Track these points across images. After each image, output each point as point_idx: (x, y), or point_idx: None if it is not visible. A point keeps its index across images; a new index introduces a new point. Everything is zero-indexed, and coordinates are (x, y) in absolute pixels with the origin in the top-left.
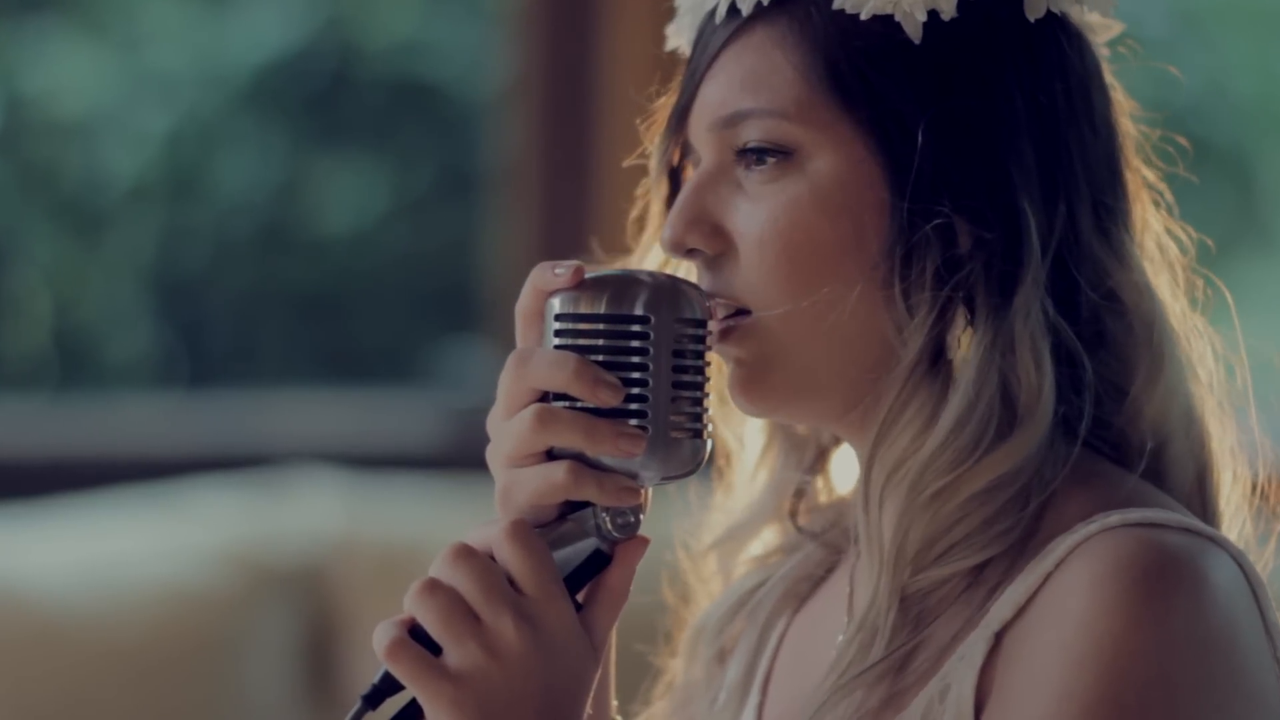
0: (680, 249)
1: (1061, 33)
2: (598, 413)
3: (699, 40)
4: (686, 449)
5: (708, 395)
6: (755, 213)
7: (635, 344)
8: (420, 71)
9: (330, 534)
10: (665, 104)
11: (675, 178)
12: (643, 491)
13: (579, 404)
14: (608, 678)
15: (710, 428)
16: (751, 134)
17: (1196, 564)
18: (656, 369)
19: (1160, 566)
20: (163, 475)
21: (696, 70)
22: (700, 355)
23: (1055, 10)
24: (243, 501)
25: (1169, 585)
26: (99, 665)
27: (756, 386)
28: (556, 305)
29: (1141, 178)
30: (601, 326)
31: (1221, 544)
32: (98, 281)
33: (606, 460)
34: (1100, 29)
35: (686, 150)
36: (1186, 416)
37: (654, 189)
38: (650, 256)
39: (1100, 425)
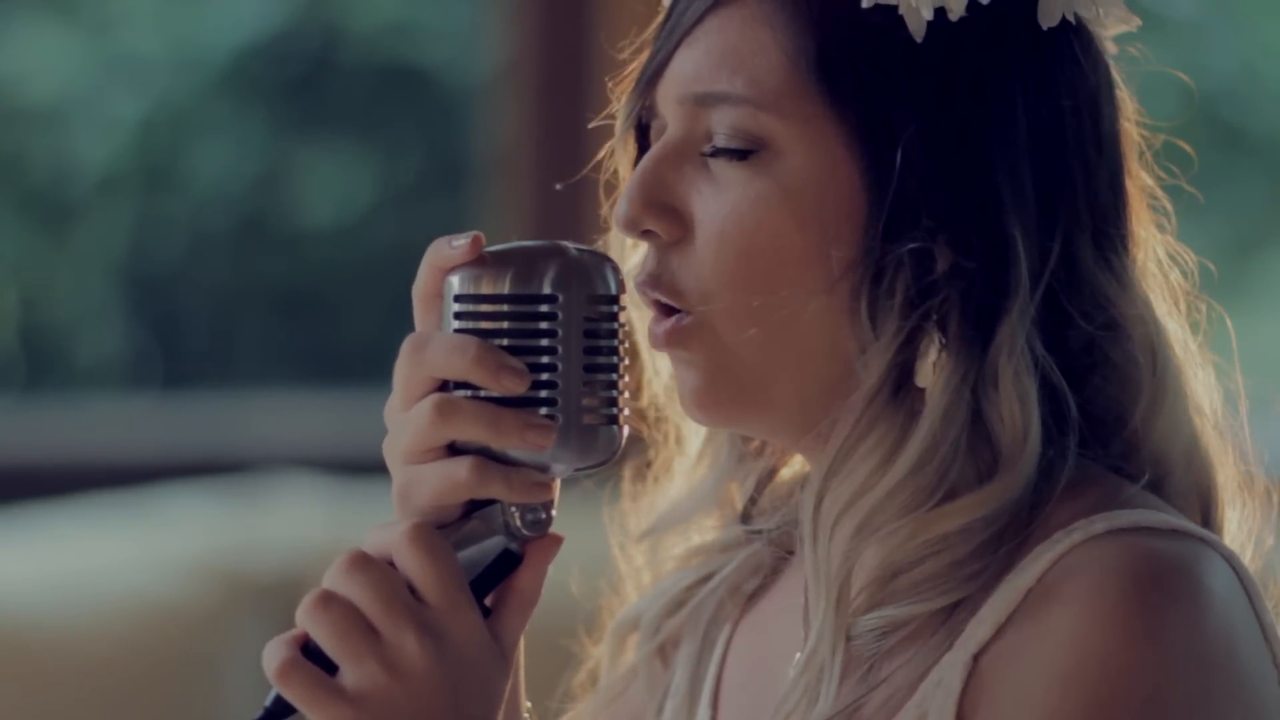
0: (635, 229)
1: (1075, 41)
2: (503, 402)
3: (679, 4)
4: (601, 437)
5: (623, 377)
6: (719, 203)
7: (543, 325)
8: (407, 55)
9: (312, 544)
10: (638, 60)
11: (643, 137)
12: (554, 484)
13: (482, 393)
14: (518, 679)
15: (626, 412)
16: (721, 124)
17: (1190, 571)
18: (566, 352)
19: (1152, 575)
20: (135, 482)
21: (674, 32)
22: (614, 334)
23: (1070, 17)
24: (220, 509)
25: (1162, 597)
26: (68, 681)
27: (706, 395)
28: (455, 284)
29: (1145, 193)
30: (505, 308)
31: (1213, 545)
32: (66, 277)
33: (514, 453)
34: (1112, 22)
35: (654, 112)
36: (1189, 449)
37: (619, 150)
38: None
39: (1096, 451)
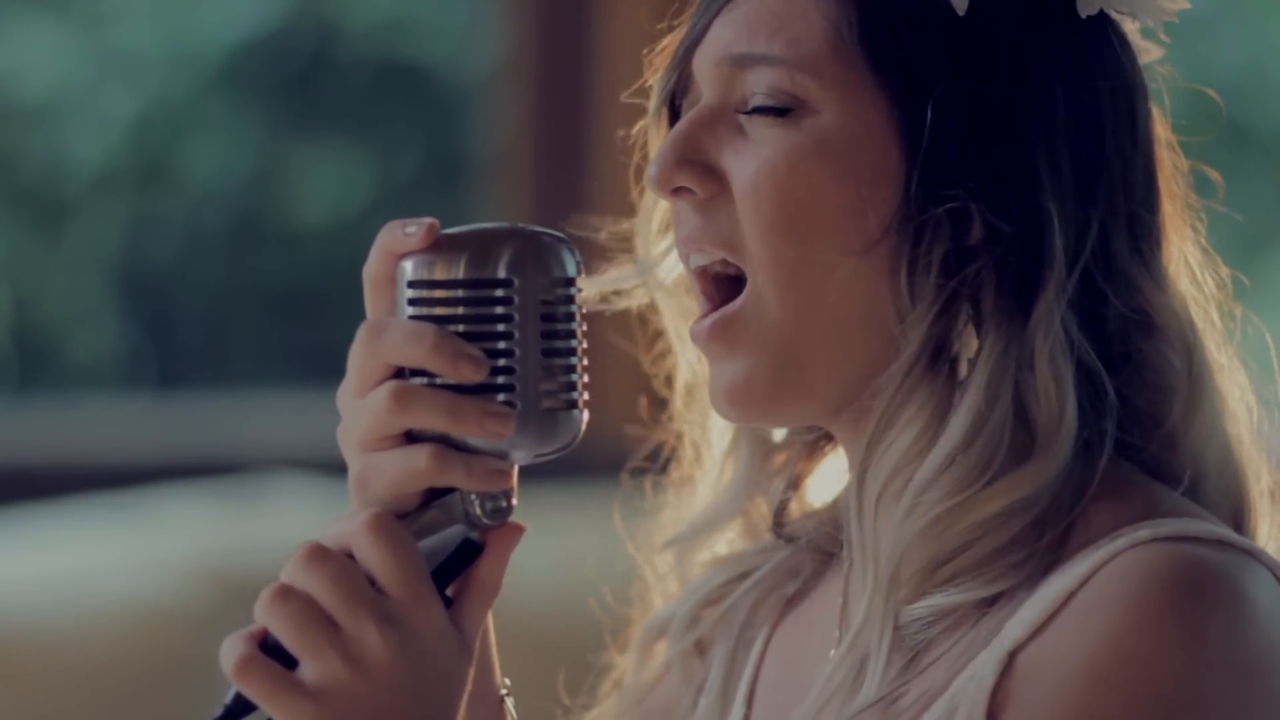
0: (667, 186)
1: (1114, 35)
2: (461, 389)
3: None
4: (562, 422)
5: (583, 360)
6: (753, 156)
7: (499, 310)
8: (405, 51)
9: None
10: (674, 37)
11: (676, 117)
12: (514, 472)
13: (439, 380)
14: (491, 662)
15: (586, 396)
16: (759, 85)
17: (1234, 581)
18: (524, 337)
19: (1196, 583)
20: (130, 483)
21: (714, 2)
22: (572, 317)
23: (1109, 12)
24: (216, 511)
25: (1205, 604)
26: (62, 684)
27: (743, 389)
28: (409, 270)
29: (1177, 209)
30: (460, 293)
31: (1259, 557)
32: (60, 275)
33: (473, 441)
34: (1139, 51)
35: (686, 88)
36: (1222, 455)
37: (652, 127)
38: (660, 210)
39: (1132, 454)
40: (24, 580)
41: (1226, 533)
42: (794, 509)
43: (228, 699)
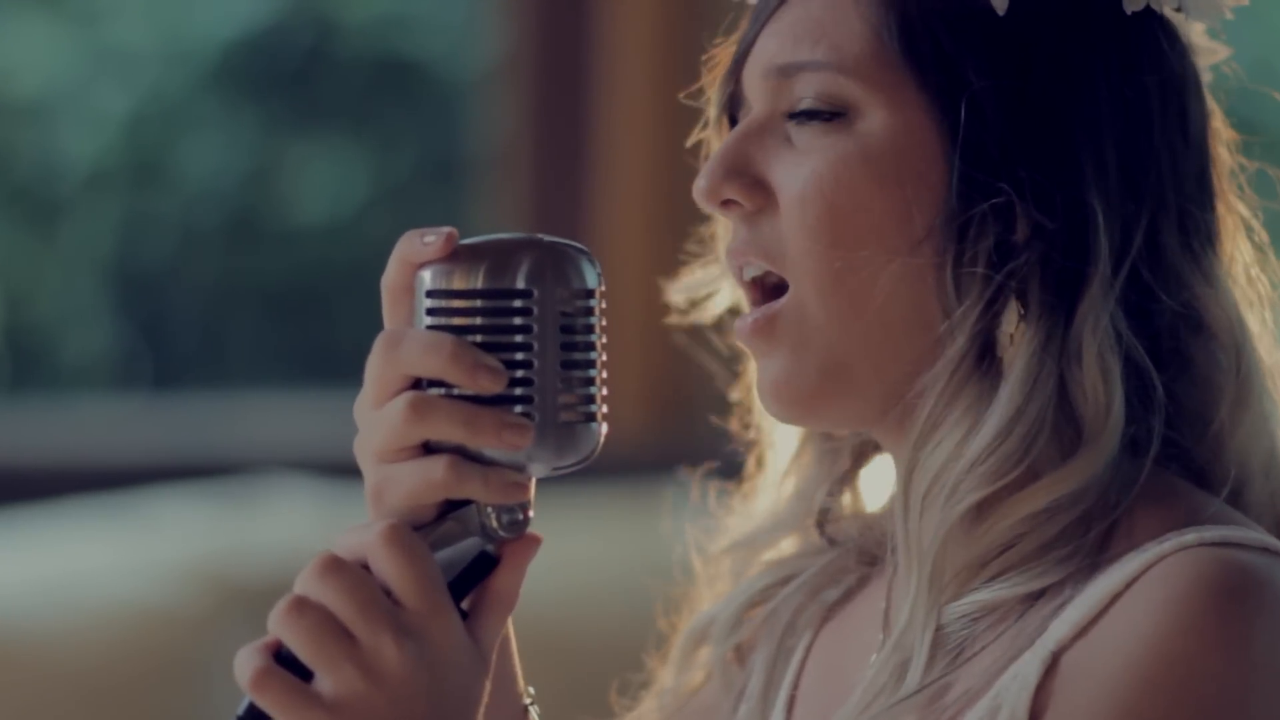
0: (715, 199)
1: (1161, 31)
2: (479, 400)
3: None
4: (580, 435)
5: (601, 373)
6: (800, 167)
7: (517, 321)
8: (402, 48)
9: (305, 547)
10: (728, 49)
11: (735, 126)
12: (531, 484)
13: (457, 391)
14: (514, 671)
15: (605, 409)
16: (806, 90)
17: (1278, 586)
18: (543, 348)
19: (1241, 588)
20: (124, 484)
21: (760, 14)
22: (591, 329)
23: (1156, 9)
24: (211, 512)
25: (1250, 608)
26: (56, 688)
27: (787, 386)
28: (427, 280)
29: (1233, 206)
30: (479, 303)
31: None
32: (53, 274)
33: (490, 453)
34: (1204, 52)
35: (739, 102)
36: (1269, 458)
37: (713, 136)
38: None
39: (1179, 453)
40: (18, 582)
41: (1272, 540)
42: (839, 510)
43: (240, 710)
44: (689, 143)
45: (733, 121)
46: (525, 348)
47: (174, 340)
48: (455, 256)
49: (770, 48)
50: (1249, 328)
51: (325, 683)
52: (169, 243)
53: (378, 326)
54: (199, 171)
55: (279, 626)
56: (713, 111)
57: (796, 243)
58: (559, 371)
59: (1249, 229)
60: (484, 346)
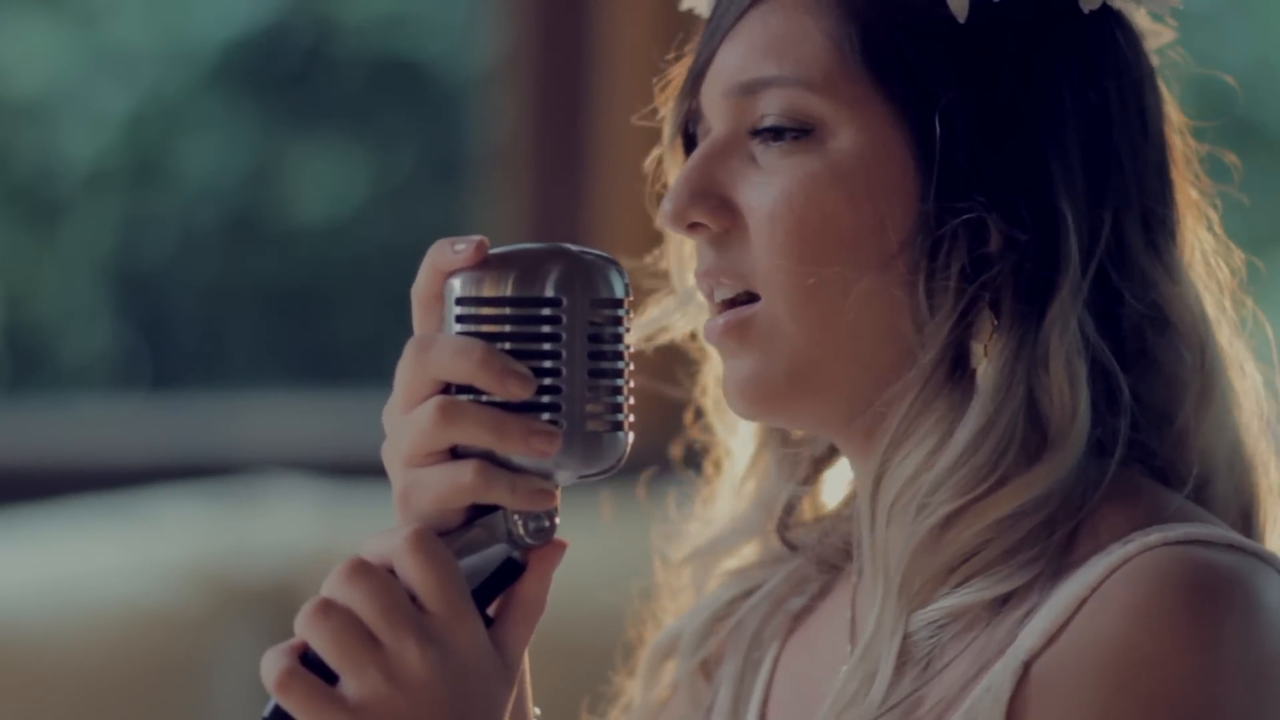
0: (682, 223)
1: (1118, 28)
2: (507, 406)
3: (720, 3)
4: (606, 444)
5: (629, 382)
6: (768, 187)
7: (546, 329)
8: (402, 48)
9: (304, 548)
10: (681, 66)
11: (692, 147)
12: (558, 492)
13: (485, 397)
14: (524, 688)
15: (632, 418)
16: (770, 106)
17: (1246, 585)
18: (571, 356)
19: (1208, 587)
20: (124, 484)
21: (716, 31)
22: (619, 339)
23: (1112, 4)
24: (211, 513)
25: (1218, 608)
26: (56, 689)
27: (756, 385)
28: (457, 287)
29: (1191, 196)
30: (508, 311)
31: (1270, 562)
32: (53, 274)
33: (517, 460)
34: (1150, 35)
35: (697, 119)
36: (1232, 451)
37: (668, 158)
38: (688, 250)
39: (1143, 452)
40: (17, 582)
41: (1236, 536)
42: (800, 514)
43: (266, 712)
44: (646, 163)
45: (688, 139)
46: (554, 356)
47: (174, 339)
48: (485, 264)
49: (731, 64)
50: (1210, 319)
51: (348, 685)
52: (169, 242)
53: (378, 326)
54: (199, 171)
55: (305, 628)
56: (667, 131)
57: (767, 262)
58: (586, 380)
59: (1208, 219)
60: (513, 354)
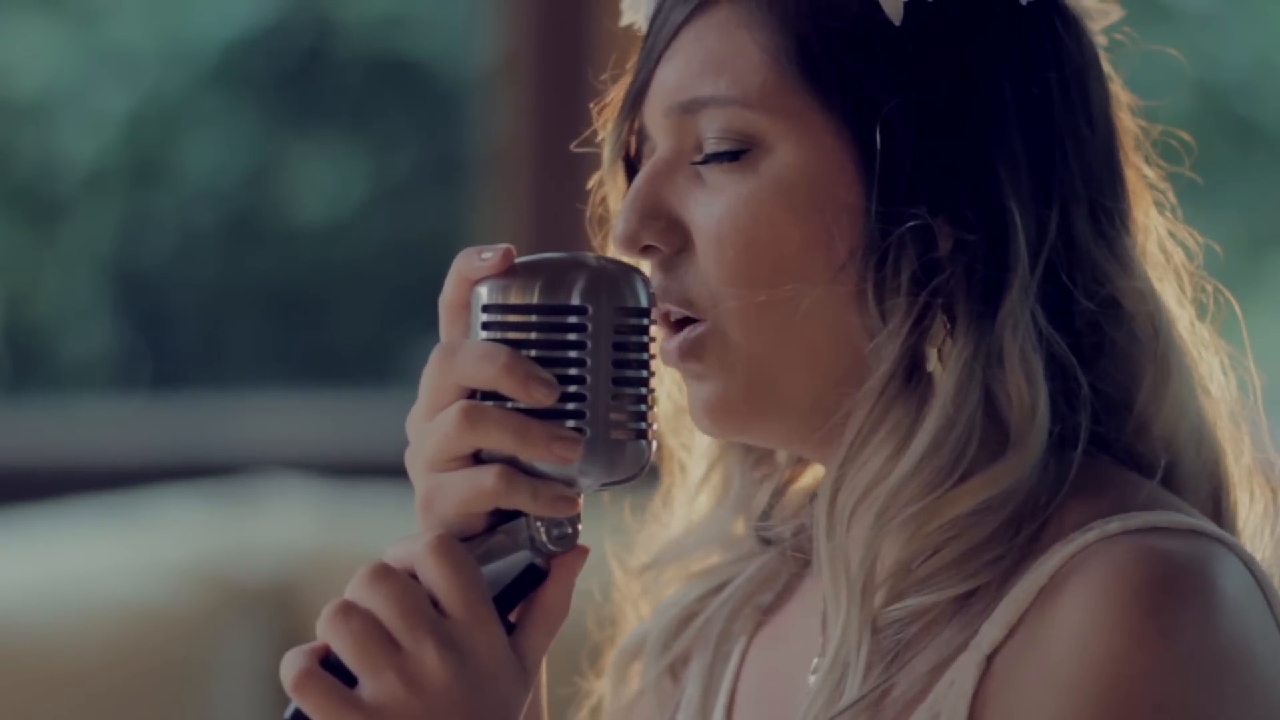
0: (635, 246)
1: (1056, 17)
2: (531, 413)
3: (657, 15)
4: (629, 452)
5: (652, 391)
6: (714, 207)
7: (571, 337)
8: (402, 48)
9: (304, 548)
10: (620, 86)
11: (632, 168)
12: (580, 498)
13: (510, 403)
14: (539, 699)
15: (655, 427)
16: (710, 127)
17: (1203, 572)
18: (595, 364)
19: (1164, 577)
20: (123, 484)
21: (653, 50)
22: (644, 348)
23: None
24: (210, 513)
25: (1174, 598)
26: (55, 689)
27: (718, 405)
28: (484, 294)
29: (1143, 178)
30: (534, 318)
31: (1229, 545)
32: (53, 274)
33: (540, 466)
34: (1097, 14)
35: (642, 138)
36: (1197, 433)
37: (608, 180)
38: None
39: (1105, 444)
40: (17, 582)
41: (1198, 521)
42: (777, 514)
43: (287, 714)
44: (588, 185)
45: (628, 165)
46: (579, 363)
47: (174, 339)
48: (512, 272)
49: (669, 82)
50: (1165, 306)
51: (367, 688)
52: (169, 242)
53: (377, 326)
54: (198, 171)
55: (325, 630)
56: (607, 152)
57: (716, 283)
58: (611, 388)
59: (1159, 204)
60: (538, 361)
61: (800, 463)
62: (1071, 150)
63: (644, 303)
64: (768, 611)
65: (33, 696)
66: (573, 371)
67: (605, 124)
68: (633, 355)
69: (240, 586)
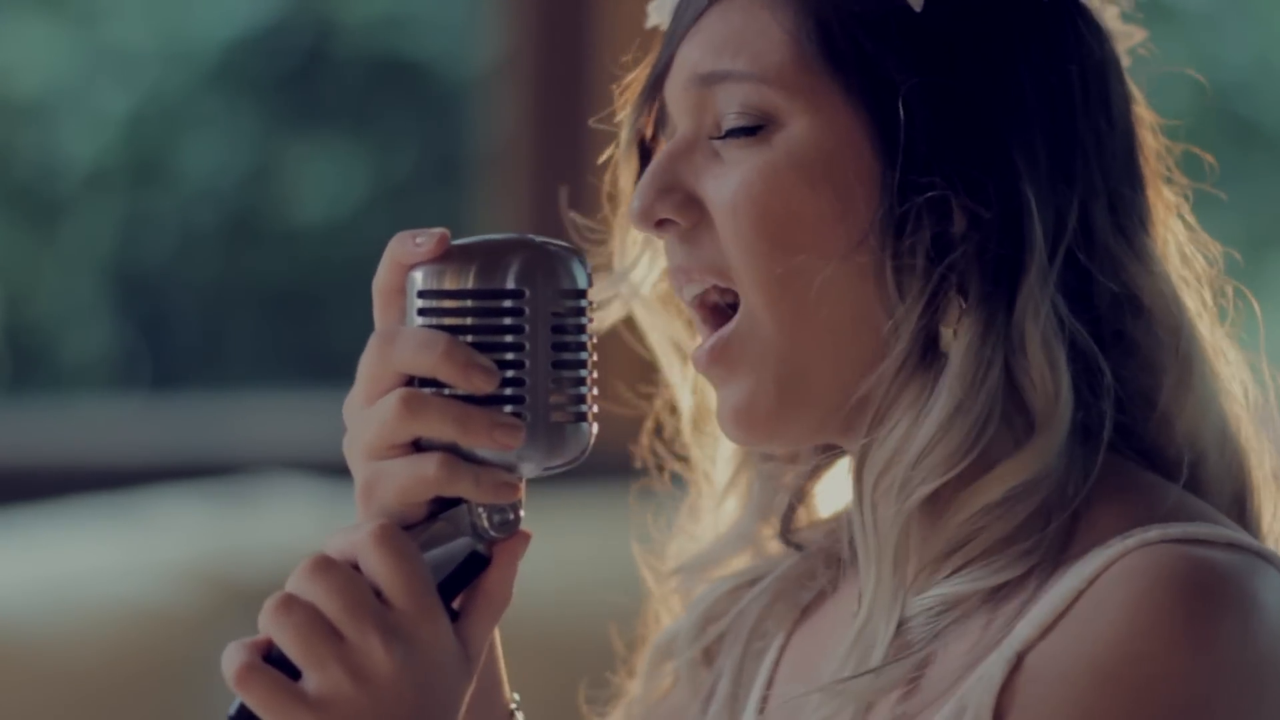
0: (649, 220)
1: (1078, 16)
2: (471, 399)
3: (681, 4)
4: (570, 435)
5: (593, 373)
6: (729, 179)
7: (508, 321)
8: (402, 48)
9: (303, 547)
10: (642, 71)
11: (646, 152)
12: (522, 484)
13: (449, 389)
14: (499, 676)
15: (595, 409)
16: (729, 103)
17: (1244, 583)
18: (534, 348)
19: (1205, 586)
20: (124, 485)
21: (676, 31)
22: (582, 329)
23: None
24: (210, 512)
25: (1214, 606)
26: (54, 688)
27: (748, 409)
28: (419, 280)
29: (1164, 194)
30: (470, 303)
31: (1270, 560)
32: (53, 274)
33: (481, 452)
34: (1121, 36)
35: (662, 123)
36: (1220, 434)
37: (622, 162)
38: (632, 238)
39: (1130, 437)
40: (16, 582)
41: (1237, 535)
42: (801, 517)
43: (232, 710)
44: (600, 159)
45: (643, 149)
46: (516, 348)
47: (174, 339)
48: (447, 257)
49: (691, 58)
50: (1186, 307)
51: (312, 681)
52: (169, 242)
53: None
54: (199, 171)
55: (268, 624)
56: (624, 134)
57: (736, 253)
58: (550, 371)
59: (1181, 212)
60: (475, 346)
61: (822, 462)
62: (1091, 144)
63: (582, 284)
64: (806, 610)
65: (33, 696)
66: (510, 356)
67: (625, 104)
68: (571, 337)
69: (240, 586)
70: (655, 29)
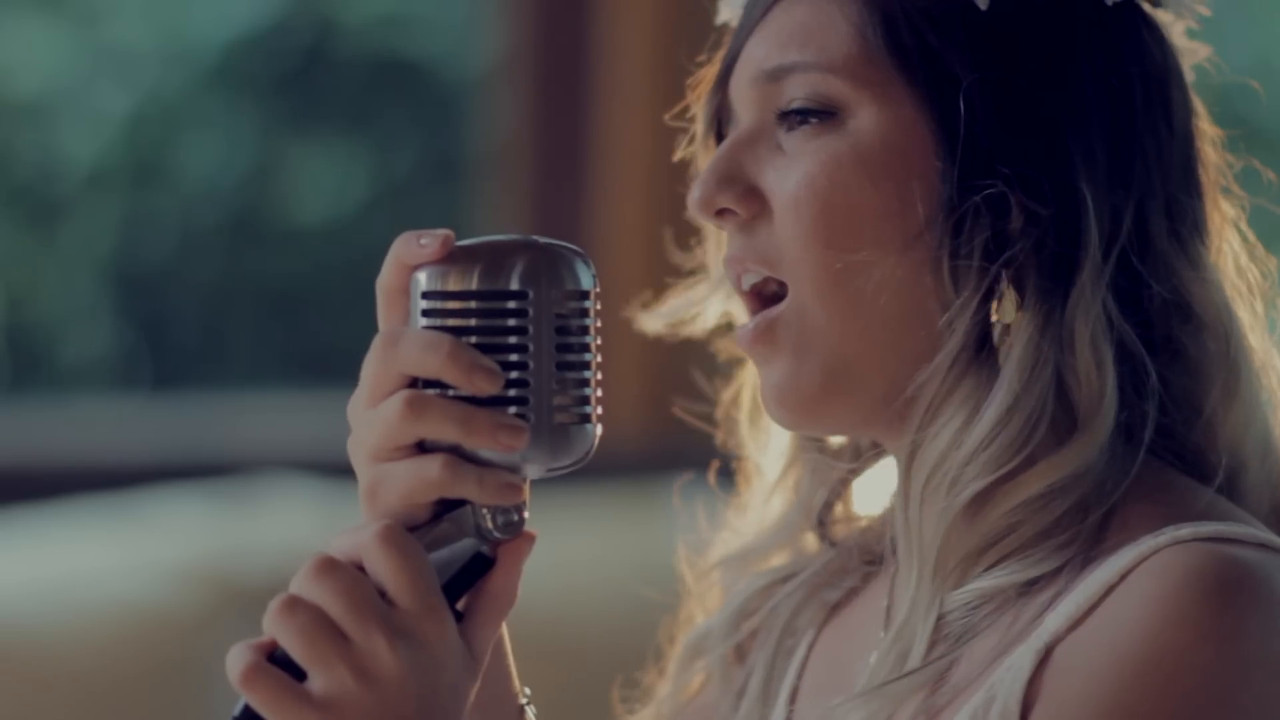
0: (710, 210)
1: (1142, 23)
2: (475, 400)
3: (750, 0)
4: (574, 436)
5: (597, 374)
6: (792, 171)
7: (512, 323)
8: (402, 48)
9: (303, 547)
10: (712, 67)
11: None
12: (526, 485)
13: (453, 391)
14: (509, 672)
15: (600, 410)
16: (796, 91)
17: (1274, 581)
18: (538, 349)
19: (1234, 583)
20: (123, 484)
21: (745, 26)
22: (586, 330)
23: (1138, 2)
24: (210, 512)
25: (1243, 603)
26: (54, 688)
27: (793, 392)
28: (423, 281)
29: (1222, 208)
30: (474, 304)
31: None
32: (53, 274)
33: (485, 454)
34: (1185, 52)
35: (726, 117)
36: (1263, 444)
37: (700, 154)
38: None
39: (1172, 440)
40: (16, 582)
41: (1269, 535)
42: (838, 513)
43: (236, 710)
44: (675, 158)
45: (719, 137)
46: (520, 349)
47: (174, 340)
48: (451, 258)
49: (758, 54)
50: (1238, 317)
51: (317, 682)
52: (169, 242)
53: (375, 327)
54: (199, 171)
55: (273, 625)
56: (700, 127)
57: (793, 246)
58: (554, 373)
59: (1238, 228)
60: (479, 348)
61: (855, 470)
62: (1150, 148)
63: (585, 285)
64: (836, 608)
65: (33, 696)
66: (514, 358)
67: (697, 101)
68: (575, 339)
69: (240, 586)
70: (655, 30)
